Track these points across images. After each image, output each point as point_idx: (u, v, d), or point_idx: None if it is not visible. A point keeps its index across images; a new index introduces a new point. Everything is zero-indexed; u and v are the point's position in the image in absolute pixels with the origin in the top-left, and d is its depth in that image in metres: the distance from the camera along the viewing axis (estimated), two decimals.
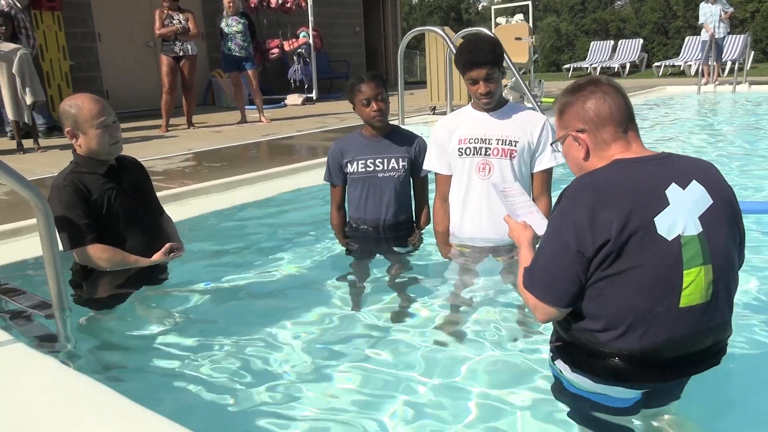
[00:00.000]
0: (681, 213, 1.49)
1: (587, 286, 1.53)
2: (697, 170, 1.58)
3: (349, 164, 3.02)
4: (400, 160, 3.00)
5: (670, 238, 1.47)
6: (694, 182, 1.54)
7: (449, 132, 2.79)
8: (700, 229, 1.50)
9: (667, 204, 1.49)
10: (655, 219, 1.48)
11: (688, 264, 1.48)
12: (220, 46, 8.94)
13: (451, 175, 2.85)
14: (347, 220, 3.20)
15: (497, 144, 2.69)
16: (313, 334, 2.50)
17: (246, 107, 9.41)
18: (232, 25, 8.63)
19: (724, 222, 1.55)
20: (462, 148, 2.74)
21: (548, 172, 2.78)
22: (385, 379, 2.15)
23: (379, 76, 2.99)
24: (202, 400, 2.09)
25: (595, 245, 1.48)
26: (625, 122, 1.63)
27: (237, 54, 8.71)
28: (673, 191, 1.51)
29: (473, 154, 2.73)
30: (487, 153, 2.71)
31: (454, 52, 6.27)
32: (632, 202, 1.48)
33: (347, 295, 2.90)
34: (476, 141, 2.72)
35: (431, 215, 3.05)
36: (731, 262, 1.57)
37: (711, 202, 1.54)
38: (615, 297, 1.50)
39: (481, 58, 2.55)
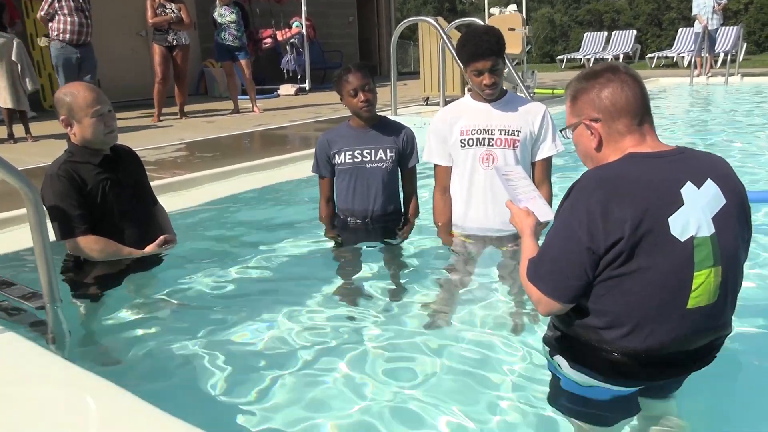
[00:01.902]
0: (695, 213, 1.46)
1: (594, 284, 1.50)
2: (711, 167, 1.54)
3: (336, 155, 3.02)
4: (388, 150, 3.00)
5: (683, 239, 1.44)
6: (708, 181, 1.50)
7: (450, 123, 2.80)
8: (713, 230, 1.47)
9: (682, 204, 1.45)
10: (669, 219, 1.44)
11: (699, 266, 1.45)
12: (213, 36, 8.90)
13: (452, 167, 2.86)
14: (336, 211, 3.21)
15: (500, 134, 2.71)
16: (304, 326, 2.52)
17: (239, 97, 9.39)
18: (225, 14, 8.59)
19: (736, 221, 1.52)
20: (464, 140, 2.75)
21: (549, 160, 2.82)
22: (381, 372, 2.16)
23: (367, 66, 2.98)
24: (194, 390, 2.10)
25: (607, 243, 1.44)
26: (641, 114, 1.57)
27: (230, 44, 8.67)
28: (688, 190, 1.47)
29: (476, 145, 2.74)
30: (490, 143, 2.72)
31: (448, 43, 6.29)
32: (647, 201, 1.44)
33: (338, 288, 2.91)
34: (479, 132, 2.73)
35: (422, 206, 3.05)
36: (739, 262, 1.55)
37: (724, 201, 1.50)
38: (623, 296, 1.47)
39: (486, 50, 2.56)
